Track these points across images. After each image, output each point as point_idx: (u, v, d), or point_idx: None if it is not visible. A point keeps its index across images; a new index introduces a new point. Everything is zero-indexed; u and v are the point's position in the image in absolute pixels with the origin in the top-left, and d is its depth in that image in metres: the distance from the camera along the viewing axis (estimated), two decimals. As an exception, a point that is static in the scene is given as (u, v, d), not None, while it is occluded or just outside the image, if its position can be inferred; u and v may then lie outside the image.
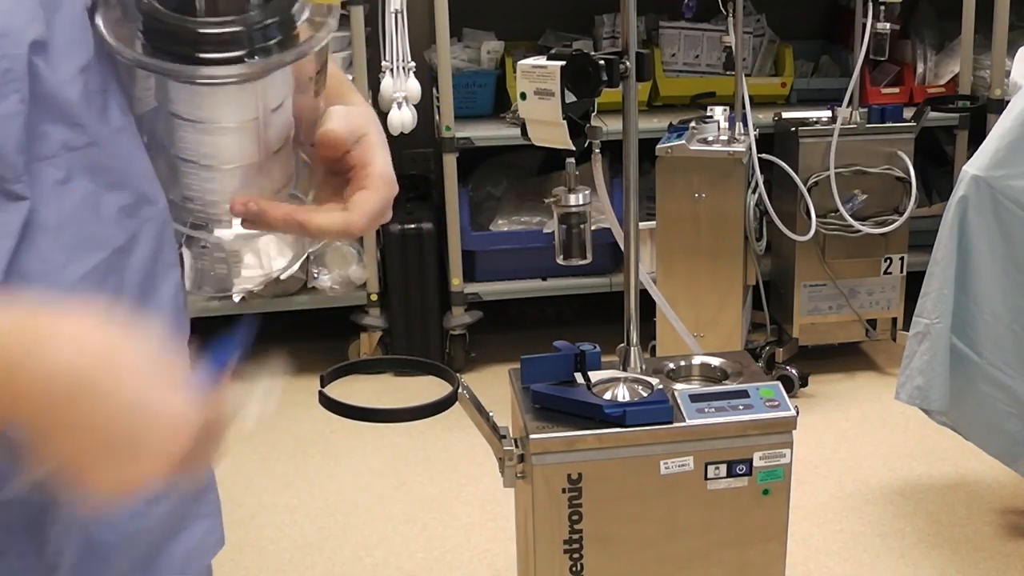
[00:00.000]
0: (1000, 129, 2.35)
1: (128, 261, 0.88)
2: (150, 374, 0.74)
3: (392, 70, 3.29)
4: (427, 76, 3.57)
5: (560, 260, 1.92)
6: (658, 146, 3.08)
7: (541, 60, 1.82)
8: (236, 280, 3.47)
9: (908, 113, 3.30)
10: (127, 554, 0.90)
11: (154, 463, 0.74)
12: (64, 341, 0.71)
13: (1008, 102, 2.44)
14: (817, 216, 3.16)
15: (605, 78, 1.77)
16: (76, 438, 0.72)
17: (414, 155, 3.96)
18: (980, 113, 3.50)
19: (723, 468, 1.73)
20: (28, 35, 0.80)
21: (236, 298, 3.45)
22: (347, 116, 0.95)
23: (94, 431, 0.72)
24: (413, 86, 3.31)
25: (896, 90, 3.71)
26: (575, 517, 1.72)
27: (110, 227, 0.86)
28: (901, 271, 3.32)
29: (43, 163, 0.82)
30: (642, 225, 2.63)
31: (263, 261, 3.40)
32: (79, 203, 0.84)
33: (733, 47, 3.22)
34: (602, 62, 1.77)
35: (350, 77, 3.32)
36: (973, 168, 2.35)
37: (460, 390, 1.59)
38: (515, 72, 1.93)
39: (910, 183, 3.17)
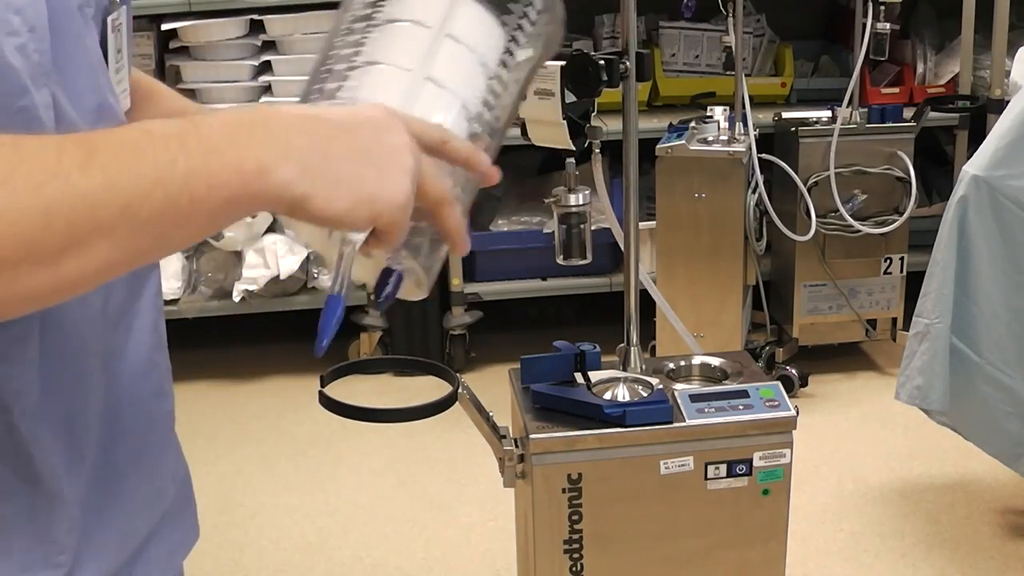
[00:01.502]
0: (1000, 129, 2.35)
1: None
2: (386, 125, 0.78)
3: (392, 70, 3.28)
4: (427, 76, 3.56)
5: (560, 260, 1.92)
6: (658, 146, 3.08)
7: (541, 60, 1.82)
8: (238, 281, 3.47)
9: (908, 113, 3.30)
10: (120, 552, 0.91)
11: (399, 177, 0.77)
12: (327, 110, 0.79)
13: (1008, 102, 2.44)
14: (817, 216, 3.16)
15: (605, 78, 1.77)
16: (332, 158, 0.75)
17: (414, 155, 3.96)
18: (980, 113, 3.50)
19: (723, 468, 1.73)
20: (48, 32, 0.79)
21: (236, 298, 3.45)
22: None
23: (347, 152, 0.76)
24: (413, 86, 3.30)
25: (896, 90, 3.71)
26: (575, 517, 1.72)
27: None
28: (901, 271, 3.32)
29: None
30: (642, 225, 2.62)
31: (268, 261, 3.40)
32: None
33: (733, 47, 3.22)
34: (602, 62, 1.77)
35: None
36: (973, 168, 2.35)
37: (460, 390, 1.59)
38: (515, 72, 1.92)
39: (910, 183, 3.17)
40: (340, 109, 0.80)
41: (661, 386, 1.77)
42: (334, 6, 1.00)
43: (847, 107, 3.19)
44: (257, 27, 3.43)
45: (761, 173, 3.18)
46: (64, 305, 0.82)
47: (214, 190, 0.71)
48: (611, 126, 1.94)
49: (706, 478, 1.73)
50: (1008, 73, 2.91)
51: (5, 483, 0.81)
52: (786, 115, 3.32)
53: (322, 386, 1.55)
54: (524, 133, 1.89)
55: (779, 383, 1.80)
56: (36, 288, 0.67)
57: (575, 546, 1.73)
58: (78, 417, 0.85)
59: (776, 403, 1.75)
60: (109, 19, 0.91)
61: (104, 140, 0.70)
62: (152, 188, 0.68)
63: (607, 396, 1.74)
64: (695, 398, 1.75)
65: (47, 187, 0.66)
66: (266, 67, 3.44)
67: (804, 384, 3.33)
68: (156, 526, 0.96)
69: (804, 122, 3.22)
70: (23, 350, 0.80)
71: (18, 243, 0.65)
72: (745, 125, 3.20)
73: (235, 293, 3.45)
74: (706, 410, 1.73)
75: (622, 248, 1.89)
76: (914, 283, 2.67)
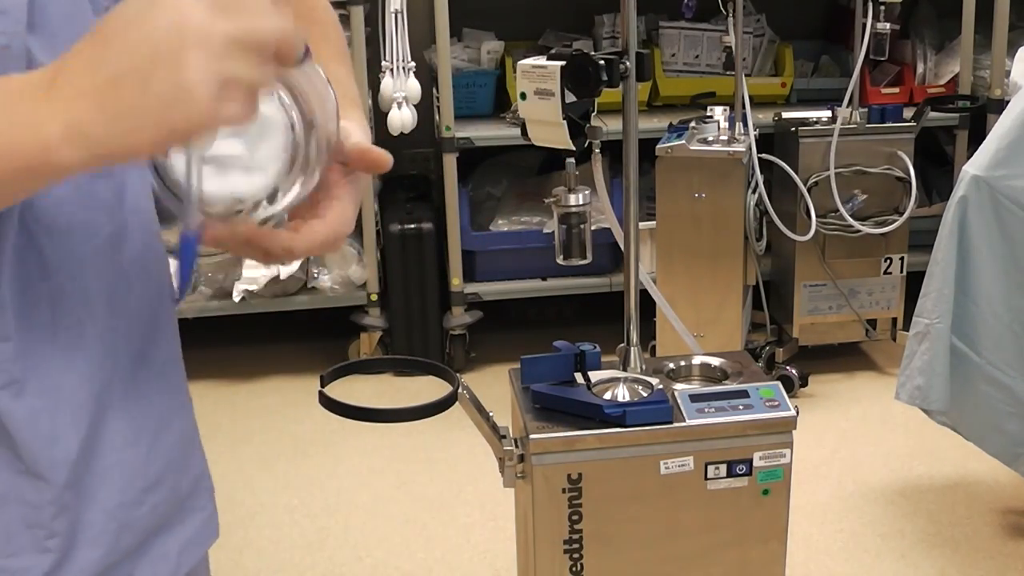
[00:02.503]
0: (1000, 129, 2.35)
1: (122, 249, 0.88)
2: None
3: (392, 70, 3.29)
4: (427, 76, 3.57)
5: (560, 260, 1.92)
6: (658, 146, 3.08)
7: (541, 60, 1.82)
8: (238, 281, 3.47)
9: (908, 113, 3.30)
10: (119, 541, 0.89)
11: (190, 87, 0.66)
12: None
13: (1008, 102, 2.44)
14: (817, 216, 3.16)
15: (605, 78, 1.77)
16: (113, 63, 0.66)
17: (414, 155, 3.96)
18: (980, 113, 3.51)
19: (723, 468, 1.73)
20: (25, 14, 0.78)
21: (236, 298, 3.45)
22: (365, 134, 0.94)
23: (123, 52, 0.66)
24: (413, 86, 3.31)
25: (896, 90, 3.71)
26: (575, 517, 1.72)
27: (101, 215, 0.86)
28: (901, 271, 3.32)
29: None
30: (642, 225, 2.63)
31: None
32: (72, 193, 0.83)
33: (733, 47, 3.22)
34: (602, 62, 1.77)
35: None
36: (973, 168, 2.35)
37: (460, 390, 1.59)
38: (515, 72, 1.93)
39: (910, 183, 3.17)
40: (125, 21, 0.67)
41: (661, 386, 1.77)
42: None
43: (847, 107, 3.19)
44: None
45: (761, 173, 3.18)
46: (66, 270, 0.82)
47: (3, 160, 0.68)
48: (611, 126, 1.94)
49: (706, 478, 1.73)
50: (1008, 73, 2.91)
51: None
52: (786, 115, 3.32)
53: (322, 386, 1.55)
54: (524, 133, 1.89)
55: (779, 383, 1.80)
56: None
57: (575, 546, 1.73)
58: (64, 395, 0.84)
59: (776, 403, 1.74)
60: None
61: None
62: None
63: (607, 396, 1.74)
64: (695, 398, 1.75)
65: None
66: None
67: (804, 384, 3.33)
68: (165, 519, 0.95)
69: (804, 122, 3.23)
70: None
71: None
72: (745, 125, 3.20)
73: (235, 293, 3.45)
74: (706, 410, 1.73)
75: (622, 248, 1.89)
76: (914, 283, 2.67)
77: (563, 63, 1.78)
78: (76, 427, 0.85)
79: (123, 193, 0.88)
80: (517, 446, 1.71)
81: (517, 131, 1.95)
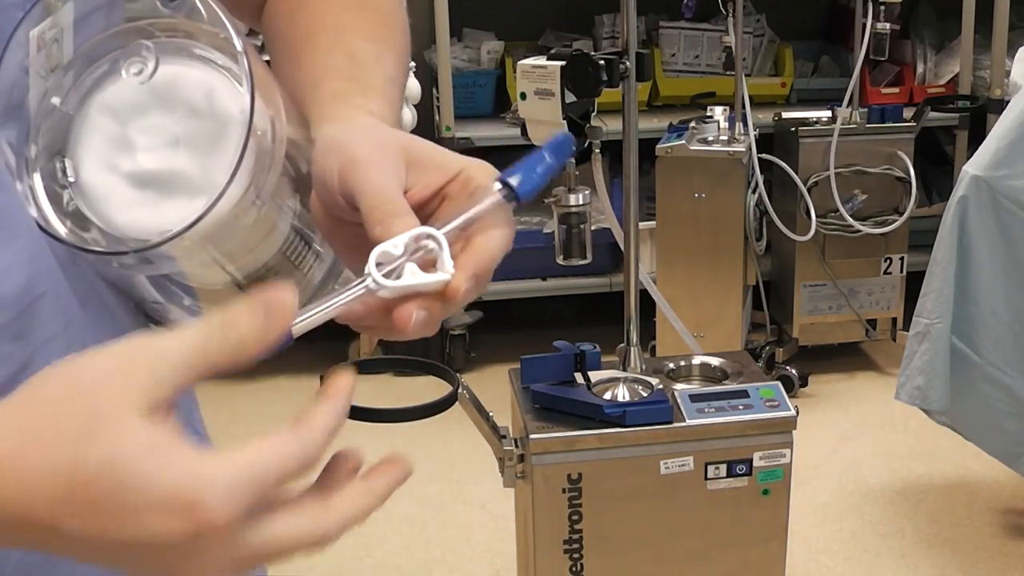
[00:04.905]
0: (1000, 129, 2.35)
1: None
2: (133, 476, 0.54)
3: (392, 70, 3.28)
4: (427, 76, 3.57)
5: (560, 260, 1.92)
6: (658, 146, 3.08)
7: (541, 60, 1.82)
8: None
9: (908, 113, 3.29)
10: None
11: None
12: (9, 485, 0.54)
13: (1008, 102, 2.44)
14: (817, 216, 3.16)
15: (605, 78, 1.78)
16: (91, 555, 0.57)
17: (414, 155, 3.96)
18: (980, 113, 3.51)
19: (723, 468, 1.73)
20: None
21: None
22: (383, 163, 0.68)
23: (101, 550, 0.56)
24: (413, 86, 3.30)
25: (896, 90, 3.71)
26: (575, 517, 1.72)
27: None
28: (901, 271, 3.32)
29: None
30: (642, 225, 2.63)
31: None
32: None
33: (733, 47, 3.22)
34: (602, 62, 1.77)
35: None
36: (973, 168, 2.35)
37: (460, 390, 1.59)
38: (515, 72, 1.93)
39: (910, 183, 3.17)
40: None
41: (661, 386, 1.77)
42: None
43: (847, 107, 3.19)
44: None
45: (761, 173, 3.18)
46: None
47: None
48: (611, 126, 1.94)
49: (706, 478, 1.73)
50: (1008, 73, 2.91)
51: None
52: (786, 115, 3.32)
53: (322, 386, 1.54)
54: (524, 133, 1.89)
55: (779, 383, 1.80)
56: None
57: (575, 546, 1.73)
58: None
59: (776, 403, 1.75)
60: (34, 33, 0.66)
61: None
62: None
63: (607, 396, 1.74)
64: (695, 398, 1.75)
65: None
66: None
67: (804, 384, 3.33)
68: None
69: (804, 122, 3.22)
70: None
71: None
72: (745, 125, 3.20)
73: (235, 293, 3.45)
74: (706, 410, 1.73)
75: (622, 248, 1.90)
76: (914, 283, 2.67)
77: (563, 63, 1.78)
78: None
79: (29, 321, 0.67)
80: (517, 446, 1.71)
81: (517, 131, 1.95)
